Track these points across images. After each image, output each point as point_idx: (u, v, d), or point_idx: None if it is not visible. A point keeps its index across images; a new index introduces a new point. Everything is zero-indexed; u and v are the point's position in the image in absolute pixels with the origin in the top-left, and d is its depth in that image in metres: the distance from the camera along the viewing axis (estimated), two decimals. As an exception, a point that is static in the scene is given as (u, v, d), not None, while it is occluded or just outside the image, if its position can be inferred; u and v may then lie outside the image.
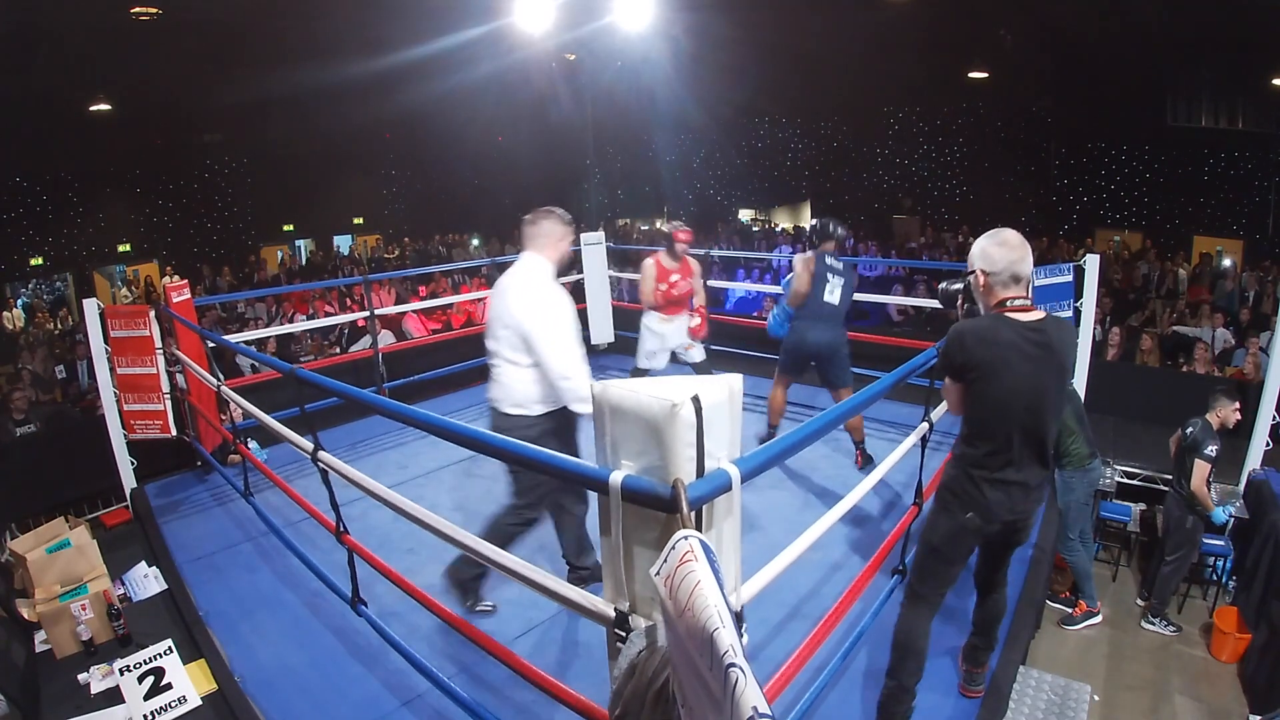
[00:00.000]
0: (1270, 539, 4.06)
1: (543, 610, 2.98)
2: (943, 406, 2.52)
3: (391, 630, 2.56)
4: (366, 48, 10.23)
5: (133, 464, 4.31)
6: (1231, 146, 10.84)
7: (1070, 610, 4.35)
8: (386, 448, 4.82)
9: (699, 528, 1.36)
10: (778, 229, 15.38)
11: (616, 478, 1.37)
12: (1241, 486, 4.63)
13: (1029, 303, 2.07)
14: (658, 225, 4.99)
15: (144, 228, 13.52)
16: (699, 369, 4.99)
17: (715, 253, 6.79)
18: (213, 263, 13.08)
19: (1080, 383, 4.55)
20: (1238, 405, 4.27)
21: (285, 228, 15.31)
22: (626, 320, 5.91)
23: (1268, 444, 4.57)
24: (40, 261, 12.40)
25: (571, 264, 7.11)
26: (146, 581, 3.43)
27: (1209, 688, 3.94)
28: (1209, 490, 4.17)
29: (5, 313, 11.22)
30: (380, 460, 4.67)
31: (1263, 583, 4.07)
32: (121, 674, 2.72)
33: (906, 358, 2.51)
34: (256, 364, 6.07)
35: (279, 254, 14.92)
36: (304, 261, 14.74)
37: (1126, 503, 4.99)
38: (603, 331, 6.18)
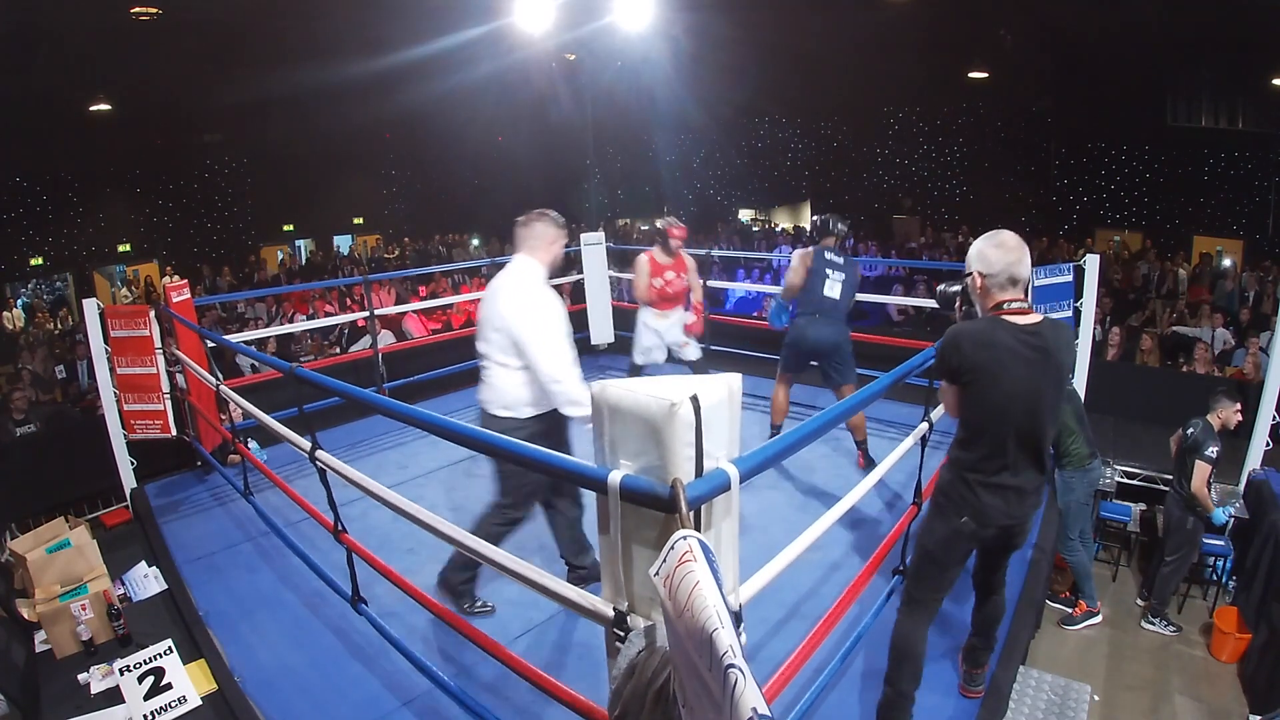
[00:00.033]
0: (1270, 539, 4.06)
1: (542, 610, 2.98)
2: (942, 407, 2.52)
3: (391, 630, 2.56)
4: (366, 48, 10.23)
5: (133, 464, 4.31)
6: (1231, 146, 10.84)
7: (1070, 610, 4.35)
8: (386, 448, 4.82)
9: (698, 527, 1.36)
10: (778, 229, 15.38)
11: (615, 477, 1.37)
12: (1241, 486, 4.63)
13: (1026, 305, 2.06)
14: (656, 224, 5.00)
15: (144, 228, 13.53)
16: (695, 367, 5.00)
17: (715, 253, 6.79)
18: (213, 263, 13.09)
19: (1080, 383, 4.55)
20: (1239, 406, 4.26)
21: (285, 228, 15.32)
22: (626, 320, 5.91)
23: (1268, 444, 4.57)
24: (40, 261, 12.41)
25: (571, 264, 7.13)
26: (146, 581, 3.43)
27: (1209, 688, 3.94)
28: (1209, 491, 4.16)
29: (5, 313, 11.22)
30: (380, 460, 4.67)
31: (1263, 583, 4.07)
32: (121, 674, 2.72)
33: (906, 358, 2.51)
34: (256, 364, 6.08)
35: (279, 254, 14.93)
36: (304, 261, 14.75)
37: (1126, 503, 4.99)
38: (603, 332, 6.19)
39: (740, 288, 9.35)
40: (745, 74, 12.35)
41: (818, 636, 2.13)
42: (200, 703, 2.64)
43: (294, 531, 3.41)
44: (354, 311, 8.08)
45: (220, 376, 3.80)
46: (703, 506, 1.38)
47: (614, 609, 1.49)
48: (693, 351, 4.94)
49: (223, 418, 4.40)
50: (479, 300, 2.92)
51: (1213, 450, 4.07)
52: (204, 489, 4.36)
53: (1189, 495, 4.15)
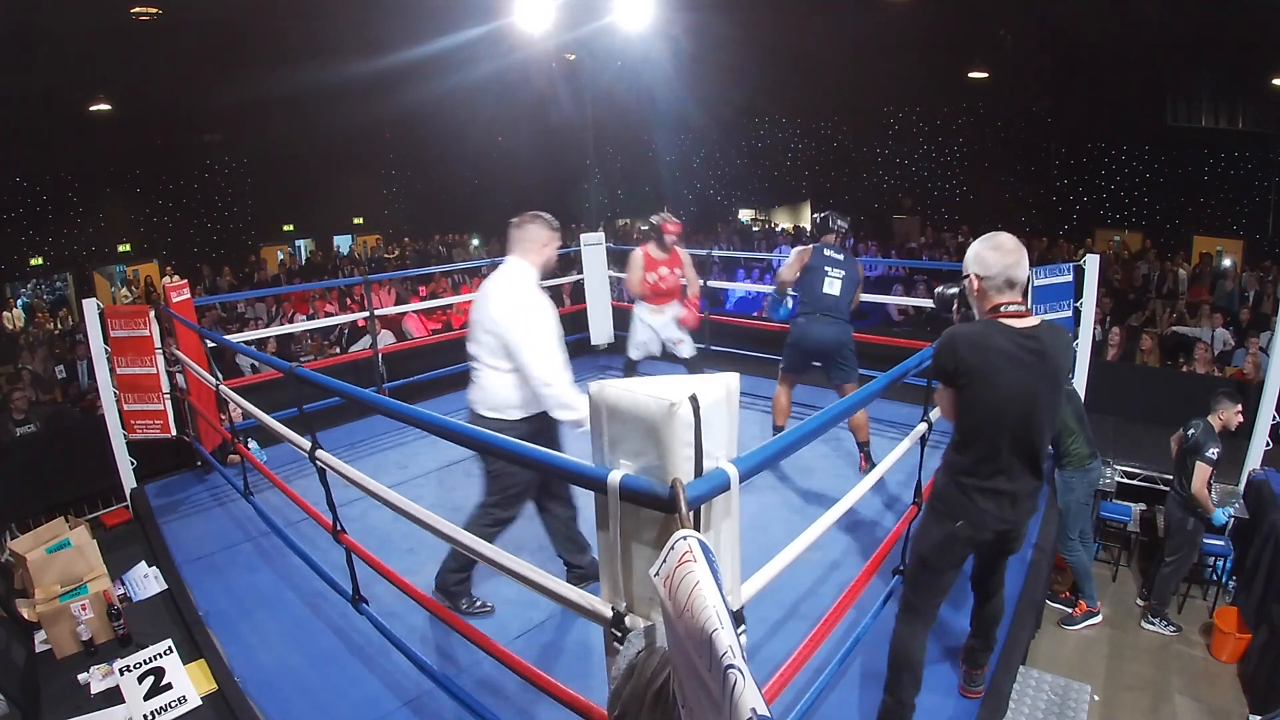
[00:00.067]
0: (1270, 539, 4.06)
1: (542, 610, 2.98)
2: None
3: (392, 630, 2.56)
4: (366, 48, 10.24)
5: (133, 464, 4.31)
6: (1231, 146, 10.84)
7: (1070, 610, 4.35)
8: (386, 448, 4.82)
9: (697, 527, 1.36)
10: (778, 229, 15.37)
11: (615, 477, 1.37)
12: (1241, 486, 4.62)
13: (1023, 308, 2.04)
14: (650, 220, 5.03)
15: (144, 228, 13.54)
16: (689, 364, 5.01)
17: (715, 253, 6.79)
18: (213, 263, 13.09)
19: (1080, 383, 4.55)
20: (1240, 408, 4.25)
21: (285, 228, 15.32)
22: (626, 320, 5.91)
23: (1268, 444, 4.57)
24: (40, 261, 12.41)
25: (571, 264, 7.13)
26: (146, 581, 3.43)
27: (1209, 688, 3.94)
28: (1209, 492, 4.15)
29: (5, 313, 11.23)
30: (380, 460, 4.67)
31: (1263, 583, 4.07)
32: (121, 674, 2.72)
33: (906, 358, 2.51)
34: (256, 364, 6.08)
35: (279, 254, 14.93)
36: (304, 261, 14.75)
37: (1126, 503, 4.99)
38: (603, 332, 6.19)
39: (740, 288, 9.35)
40: (745, 74, 12.35)
41: (818, 637, 2.13)
42: (200, 703, 2.64)
43: (294, 531, 3.41)
44: (354, 311, 8.08)
45: (220, 377, 3.80)
46: (702, 506, 1.37)
47: (613, 609, 1.49)
48: (687, 348, 4.96)
49: (222, 417, 4.40)
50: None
51: (1213, 452, 4.06)
52: (204, 489, 4.36)
53: (1189, 496, 4.15)
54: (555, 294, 9.10)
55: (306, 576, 3.16)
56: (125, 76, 10.52)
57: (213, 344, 3.99)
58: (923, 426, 2.69)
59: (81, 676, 2.81)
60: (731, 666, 0.73)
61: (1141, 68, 10.30)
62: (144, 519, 4.02)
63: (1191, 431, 4.16)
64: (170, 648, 2.82)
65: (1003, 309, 2.02)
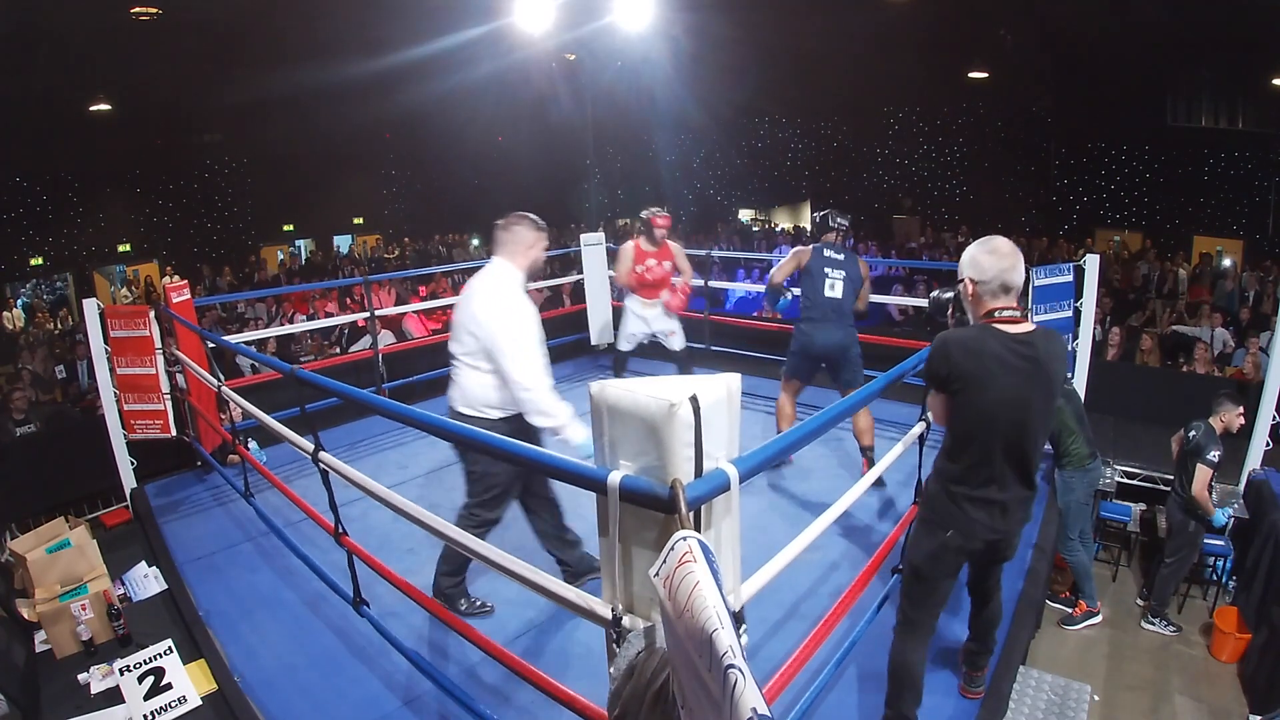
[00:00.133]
0: (1270, 539, 4.06)
1: (541, 610, 2.98)
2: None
3: (392, 631, 2.56)
4: (366, 48, 10.24)
5: (133, 464, 4.31)
6: (1231, 146, 10.84)
7: (1070, 610, 4.34)
8: (386, 448, 4.82)
9: (698, 528, 1.36)
10: (778, 229, 15.37)
11: (615, 478, 1.37)
12: (1241, 486, 4.62)
13: (1019, 314, 2.01)
14: (641, 215, 5.11)
15: (144, 228, 13.53)
16: (678, 357, 5.03)
17: (715, 253, 6.79)
18: (213, 263, 13.09)
19: (1080, 383, 4.55)
20: (1241, 409, 4.23)
21: (285, 228, 15.32)
22: (626, 319, 5.91)
23: (1268, 444, 4.56)
24: (40, 261, 12.41)
25: (571, 264, 7.13)
26: (146, 581, 3.43)
27: (1209, 688, 3.93)
28: (1210, 494, 4.14)
29: (5, 313, 11.23)
30: (380, 460, 4.67)
31: (1263, 583, 4.06)
32: (121, 674, 2.72)
33: (906, 358, 2.51)
34: (256, 364, 6.07)
35: (279, 254, 14.93)
36: (304, 261, 14.75)
37: (1126, 503, 4.99)
38: (602, 332, 6.19)
39: (740, 288, 9.35)
40: (745, 74, 12.35)
41: (818, 637, 2.13)
42: (200, 703, 2.64)
43: (294, 532, 3.42)
44: (354, 311, 8.08)
45: (221, 377, 3.81)
46: (702, 507, 1.38)
47: (613, 610, 1.49)
48: (678, 340, 5.00)
49: (222, 417, 4.40)
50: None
51: (1214, 454, 4.04)
52: (204, 489, 4.36)
53: (1189, 498, 4.13)
54: (555, 294, 9.11)
55: (306, 576, 3.16)
56: (125, 76, 10.52)
57: (212, 344, 3.99)
58: (921, 426, 2.69)
59: (81, 676, 2.81)
60: (732, 666, 0.73)
61: (1141, 68, 10.30)
62: (144, 519, 4.02)
63: (1193, 434, 4.14)
64: (170, 648, 2.82)
65: (997, 314, 2.00)
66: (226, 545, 3.71)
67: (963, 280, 2.06)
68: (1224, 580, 4.60)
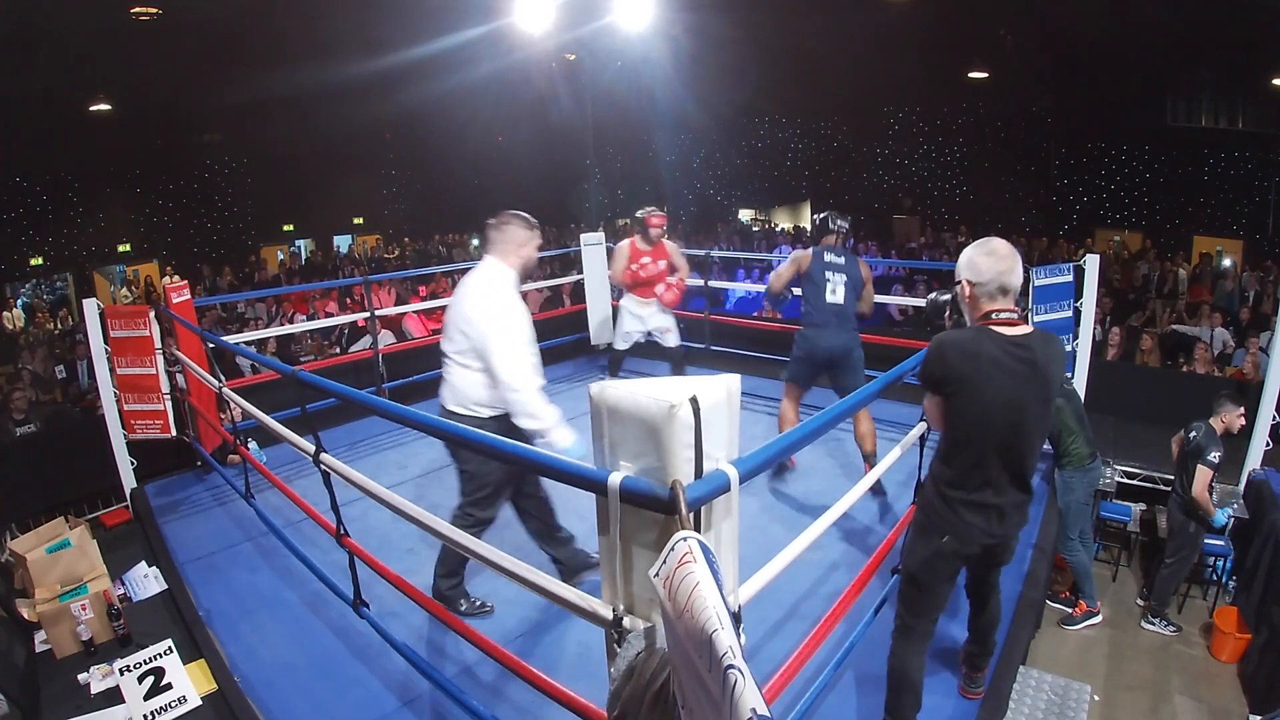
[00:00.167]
0: (1270, 539, 4.06)
1: (541, 610, 2.98)
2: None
3: (391, 630, 2.56)
4: (366, 48, 10.24)
5: (133, 464, 4.31)
6: (1231, 146, 10.84)
7: (1070, 610, 4.34)
8: (386, 447, 4.82)
9: (698, 529, 1.36)
10: (778, 229, 15.38)
11: (615, 479, 1.37)
12: (1241, 486, 4.62)
13: (1015, 316, 1.99)
14: (636, 214, 5.19)
15: (144, 228, 13.54)
16: (673, 355, 5.05)
17: (715, 253, 6.79)
18: (213, 263, 13.09)
19: (1080, 383, 4.55)
20: (1242, 410, 4.23)
21: (285, 228, 15.32)
22: (625, 319, 5.91)
23: (1268, 444, 4.56)
24: (40, 261, 12.41)
25: (571, 264, 7.13)
26: (146, 581, 3.43)
27: (1209, 688, 3.93)
28: (1210, 494, 4.13)
29: (5, 313, 11.23)
30: (380, 460, 4.67)
31: (1263, 583, 4.06)
32: (121, 674, 2.73)
33: (907, 357, 2.50)
34: (256, 364, 6.07)
35: (279, 254, 14.93)
36: (304, 261, 14.75)
37: (1126, 503, 4.99)
38: (602, 332, 6.19)
39: (740, 288, 9.35)
40: (745, 74, 12.35)
41: (818, 637, 2.13)
42: (200, 703, 2.64)
43: (294, 532, 3.42)
44: (354, 311, 8.08)
45: (222, 378, 3.81)
46: (703, 508, 1.38)
47: (614, 611, 1.49)
48: (673, 338, 5.03)
49: (222, 417, 4.40)
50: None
51: (1215, 455, 4.03)
52: (204, 489, 4.36)
53: (1189, 499, 4.13)
54: (555, 294, 9.12)
55: (307, 576, 3.16)
56: (125, 76, 10.52)
57: (212, 345, 3.99)
58: (922, 426, 2.69)
59: (81, 676, 2.82)
60: (732, 667, 0.73)
61: (1141, 68, 10.30)
62: (144, 519, 4.02)
63: (1193, 434, 4.13)
64: (170, 648, 2.82)
65: (994, 316, 1.98)
66: (226, 545, 3.72)
67: (960, 282, 2.04)
68: (1224, 580, 4.60)
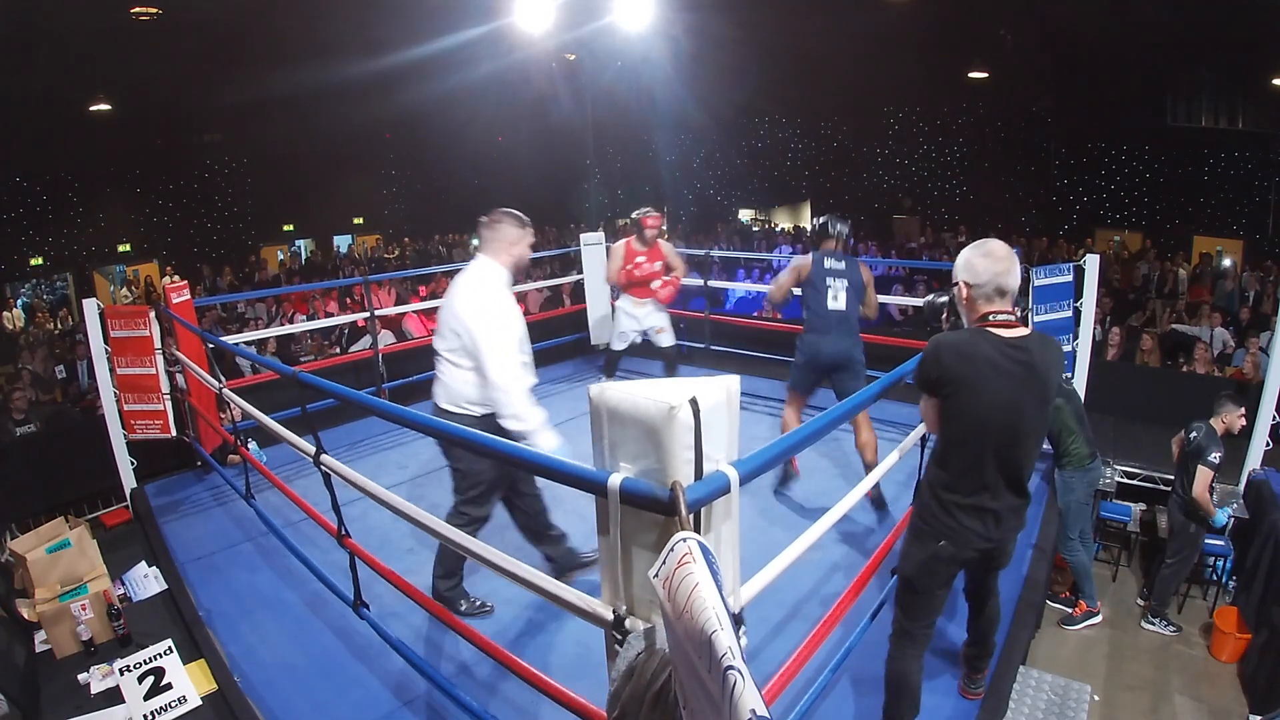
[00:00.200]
0: (1270, 539, 4.06)
1: (541, 610, 2.98)
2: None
3: (392, 631, 2.56)
4: (366, 48, 10.25)
5: (133, 464, 4.31)
6: (1231, 146, 10.84)
7: (1070, 610, 4.35)
8: (386, 447, 4.82)
9: (698, 530, 1.36)
10: (778, 229, 15.38)
11: (615, 480, 1.37)
12: (1241, 486, 4.62)
13: (1013, 318, 1.98)
14: (632, 215, 5.20)
15: (144, 228, 13.54)
16: (667, 354, 5.07)
17: (715, 253, 6.79)
18: (213, 263, 13.09)
19: (1080, 383, 4.55)
20: (1243, 411, 4.22)
21: (285, 228, 15.33)
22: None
23: (1268, 444, 4.56)
24: (40, 261, 12.41)
25: (571, 264, 7.13)
26: (146, 581, 3.44)
27: (1209, 688, 3.94)
28: (1211, 495, 4.13)
29: (5, 313, 11.23)
30: (380, 460, 4.67)
31: (1263, 583, 4.06)
32: (121, 674, 2.73)
33: (907, 358, 2.50)
34: (256, 364, 6.07)
35: (279, 254, 14.93)
36: (304, 261, 14.75)
37: (1126, 503, 4.99)
38: (602, 332, 6.19)
39: (740, 288, 9.35)
40: (745, 74, 12.36)
41: (818, 638, 2.13)
42: (200, 703, 2.64)
43: (294, 532, 3.42)
44: (354, 311, 8.08)
45: (222, 378, 3.81)
46: (703, 509, 1.37)
47: (614, 612, 1.49)
48: (667, 338, 5.07)
49: (222, 416, 4.40)
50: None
51: (1215, 456, 4.02)
52: (204, 489, 4.36)
53: (1190, 500, 4.13)
54: (555, 294, 9.12)
55: (307, 576, 3.16)
56: (125, 76, 10.52)
57: (212, 345, 3.99)
58: (922, 427, 2.69)
59: (81, 676, 2.82)
60: (731, 667, 0.73)
61: (1141, 68, 10.30)
62: (144, 519, 4.02)
63: (1194, 435, 4.12)
64: (170, 648, 2.82)
65: (991, 318, 1.97)
66: (227, 545, 3.72)
67: (957, 284, 2.03)
68: (1224, 580, 4.61)
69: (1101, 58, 10.37)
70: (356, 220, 16.29)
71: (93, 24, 8.83)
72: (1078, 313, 4.51)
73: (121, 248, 13.33)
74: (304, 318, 8.72)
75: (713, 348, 5.86)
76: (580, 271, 6.27)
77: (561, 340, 6.35)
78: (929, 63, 11.72)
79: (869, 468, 3.85)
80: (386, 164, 16.54)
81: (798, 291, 4.08)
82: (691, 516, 1.24)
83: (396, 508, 2.16)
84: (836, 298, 3.79)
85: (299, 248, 15.45)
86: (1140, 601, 4.64)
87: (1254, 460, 4.59)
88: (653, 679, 0.93)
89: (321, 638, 2.95)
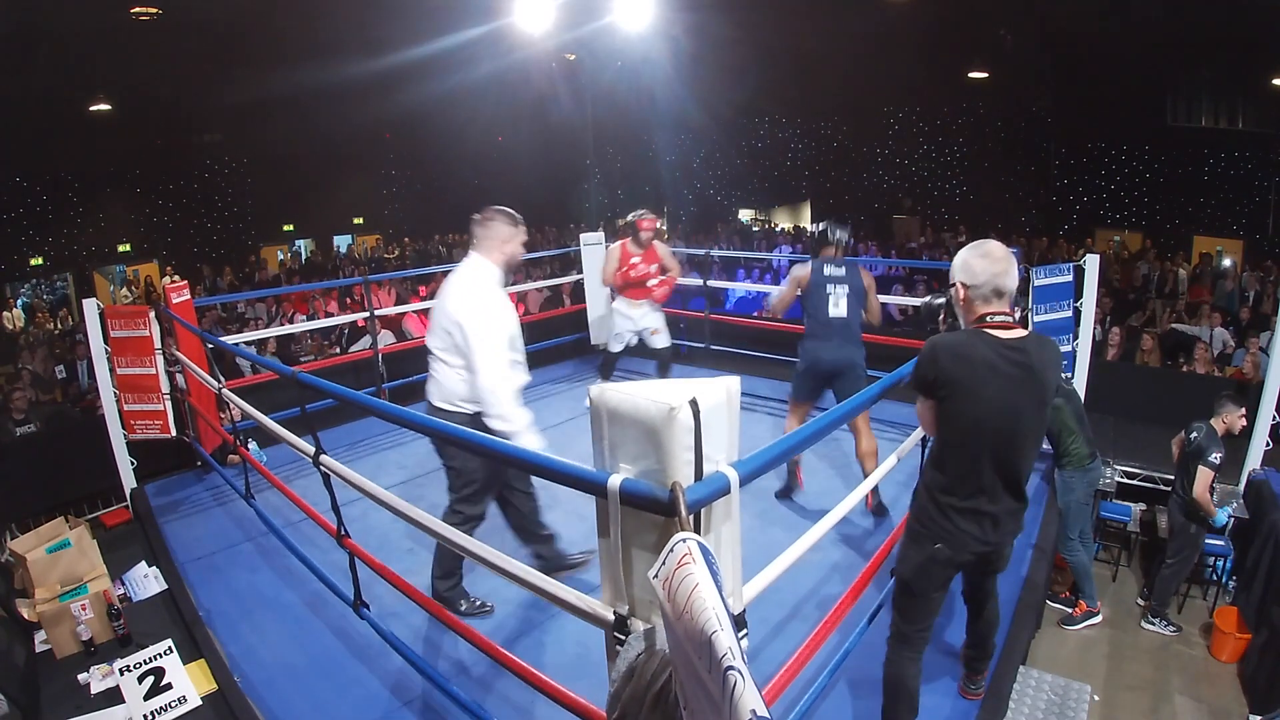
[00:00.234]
0: (1270, 539, 4.06)
1: (541, 610, 2.98)
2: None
3: (392, 631, 2.56)
4: (366, 48, 10.25)
5: (133, 464, 4.31)
6: (1231, 146, 10.84)
7: (1070, 610, 4.34)
8: (385, 447, 4.82)
9: (698, 531, 1.36)
10: (778, 229, 15.38)
11: (615, 481, 1.37)
12: (1241, 486, 4.62)
13: (1010, 319, 1.96)
14: (627, 217, 5.21)
15: (144, 228, 13.54)
16: (662, 355, 5.08)
17: (715, 253, 6.79)
18: (213, 263, 13.09)
19: (1080, 383, 4.55)
20: (1244, 411, 4.22)
21: (285, 228, 15.33)
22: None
23: (1268, 444, 4.56)
24: (40, 261, 12.41)
25: (571, 264, 7.12)
26: (146, 581, 3.44)
27: (1209, 688, 3.93)
28: (1211, 495, 4.12)
29: (5, 313, 11.23)
30: (380, 460, 4.67)
31: (1263, 583, 4.06)
32: (121, 674, 2.73)
33: (908, 358, 2.50)
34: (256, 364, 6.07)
35: (279, 254, 14.93)
36: (304, 261, 14.75)
37: (1126, 503, 4.98)
38: (602, 331, 6.19)
39: (740, 288, 9.35)
40: (745, 74, 12.36)
41: (818, 638, 2.12)
42: (200, 703, 2.64)
43: (294, 532, 3.42)
44: (354, 311, 8.08)
45: (222, 379, 3.81)
46: (703, 510, 1.37)
47: (615, 612, 1.49)
48: (662, 339, 5.08)
49: (222, 416, 4.40)
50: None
51: (1216, 456, 4.01)
52: (204, 489, 4.36)
53: (1190, 500, 4.12)
54: (555, 294, 9.11)
55: (307, 576, 3.16)
56: (125, 76, 10.53)
57: (211, 345, 3.99)
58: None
59: (81, 676, 2.82)
60: (731, 668, 0.73)
61: (1141, 68, 10.30)
62: (144, 519, 4.02)
63: (1194, 435, 4.12)
64: (170, 648, 2.83)
65: (989, 319, 1.95)
66: (226, 545, 3.72)
67: (954, 285, 2.02)
68: (1224, 580, 4.60)
69: (1101, 58, 10.37)
70: (356, 220, 16.29)
71: (93, 24, 8.84)
72: (1078, 313, 4.51)
73: (121, 248, 13.33)
74: (304, 318, 8.72)
75: (713, 348, 5.86)
76: (580, 271, 6.27)
77: (561, 340, 6.35)
78: (929, 63, 11.72)
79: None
80: (386, 164, 16.54)
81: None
82: (691, 517, 1.24)
83: (396, 508, 2.16)
84: (837, 304, 3.76)
85: (299, 248, 15.44)
86: (1140, 601, 4.63)
87: (1254, 460, 4.59)
88: (653, 679, 0.93)
89: (321, 638, 2.95)
